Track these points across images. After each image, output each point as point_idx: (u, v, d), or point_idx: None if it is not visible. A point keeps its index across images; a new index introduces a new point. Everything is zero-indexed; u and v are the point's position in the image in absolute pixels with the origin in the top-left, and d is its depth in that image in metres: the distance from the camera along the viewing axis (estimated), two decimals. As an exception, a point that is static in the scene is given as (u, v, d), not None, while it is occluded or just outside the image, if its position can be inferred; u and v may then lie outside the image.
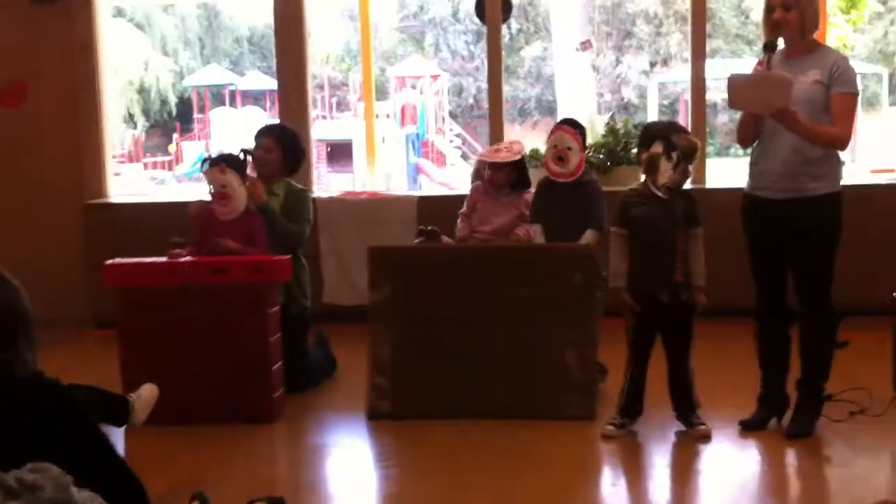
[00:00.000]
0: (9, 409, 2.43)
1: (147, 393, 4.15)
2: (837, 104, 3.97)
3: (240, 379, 4.52)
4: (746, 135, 4.20)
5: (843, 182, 4.13)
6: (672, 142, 4.08)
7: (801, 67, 4.01)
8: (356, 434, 4.45)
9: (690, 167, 4.18)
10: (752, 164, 4.16)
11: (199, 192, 5.62)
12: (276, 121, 7.34)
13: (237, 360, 4.52)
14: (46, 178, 7.09)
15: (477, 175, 5.05)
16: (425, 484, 3.75)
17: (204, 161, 4.92)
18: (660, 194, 4.12)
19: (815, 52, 4.07)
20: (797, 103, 3.92)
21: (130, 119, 22.39)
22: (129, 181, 14.20)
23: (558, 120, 5.04)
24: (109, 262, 4.65)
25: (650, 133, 4.24)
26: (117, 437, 4.37)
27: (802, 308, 4.15)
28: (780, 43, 4.06)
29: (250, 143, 5.28)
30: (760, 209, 4.13)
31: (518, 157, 4.84)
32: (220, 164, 4.77)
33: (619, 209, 4.22)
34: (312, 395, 5.10)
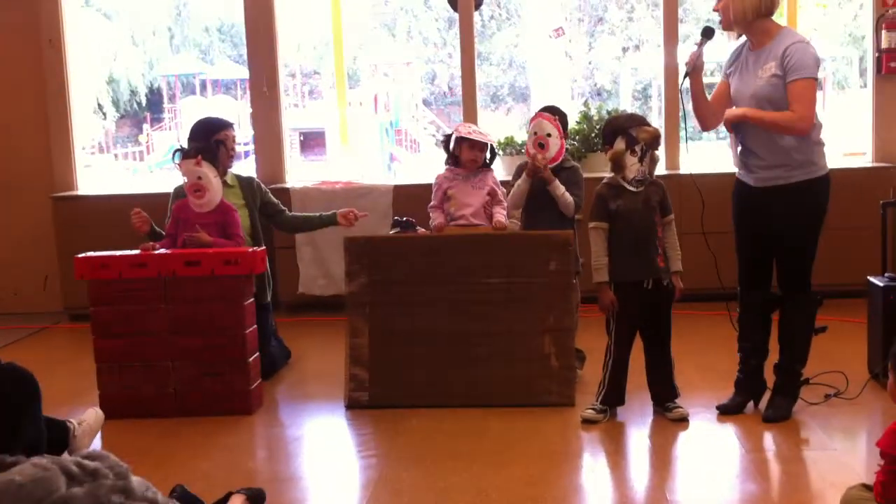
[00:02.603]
0: None
1: (92, 419, 3.92)
2: (791, 91, 3.93)
3: (216, 371, 4.51)
4: (700, 118, 4.28)
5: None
6: (633, 136, 4.10)
7: (761, 60, 4.01)
8: (334, 424, 4.43)
9: (657, 153, 4.21)
10: (738, 149, 4.17)
11: (171, 182, 5.57)
12: (249, 110, 7.29)
13: (213, 353, 4.50)
14: (15, 172, 7.04)
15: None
16: (405, 472, 3.74)
17: (176, 152, 4.86)
18: (631, 188, 4.14)
19: (774, 39, 4.01)
20: (757, 100, 3.98)
21: (100, 110, 22.18)
22: (101, 173, 14.05)
23: (537, 107, 5.02)
24: (81, 255, 4.59)
25: (612, 129, 4.25)
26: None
27: (782, 292, 4.18)
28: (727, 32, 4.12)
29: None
30: (745, 194, 4.16)
31: (490, 140, 4.87)
32: (195, 156, 4.72)
33: (596, 204, 4.22)
34: (290, 386, 5.08)
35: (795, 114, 3.93)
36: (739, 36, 4.12)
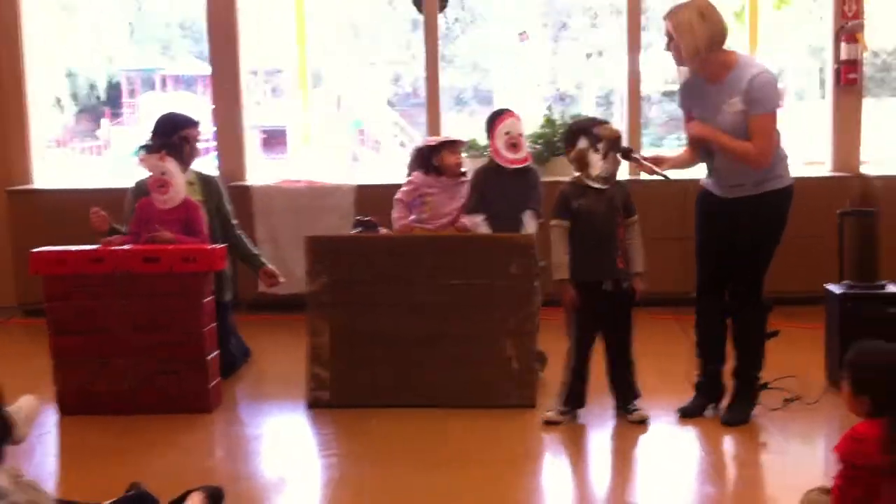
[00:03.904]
0: None
1: (27, 406, 3.64)
2: (753, 125, 3.95)
3: (174, 369, 4.45)
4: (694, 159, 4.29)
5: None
6: (595, 134, 4.13)
7: (723, 94, 4.00)
8: (295, 423, 4.40)
9: (618, 155, 4.21)
10: (708, 157, 4.19)
11: (129, 177, 5.50)
12: (210, 106, 7.22)
13: (171, 350, 4.45)
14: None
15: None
16: (365, 472, 3.72)
17: (141, 147, 4.81)
18: (597, 185, 4.16)
19: (731, 71, 3.99)
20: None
21: (58, 103, 21.86)
22: (59, 167, 13.83)
23: (496, 109, 5.01)
24: (36, 249, 4.52)
25: (572, 131, 4.27)
26: (50, 426, 4.27)
27: (733, 299, 4.21)
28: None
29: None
30: (710, 203, 4.20)
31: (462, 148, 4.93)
32: (159, 151, 4.66)
33: (559, 202, 4.23)
34: (250, 385, 5.05)
35: (756, 148, 3.95)
36: (691, 71, 4.12)
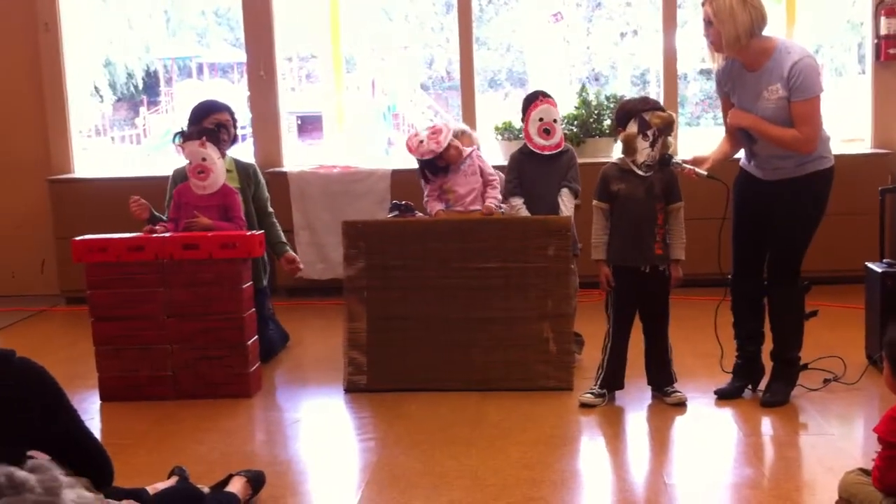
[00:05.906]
0: None
1: None
2: (797, 111, 3.90)
3: (215, 354, 4.50)
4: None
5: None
6: (646, 120, 4.08)
7: (762, 81, 3.95)
8: (333, 408, 4.43)
9: (669, 139, 4.18)
10: (748, 141, 4.14)
11: (168, 165, 5.56)
12: (246, 93, 7.27)
13: (211, 336, 4.50)
14: (12, 155, 7.03)
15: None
16: (403, 456, 3.74)
17: (177, 134, 4.86)
18: (640, 172, 4.13)
19: (770, 58, 3.93)
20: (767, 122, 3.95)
21: (97, 92, 22.08)
22: (98, 156, 14.00)
23: (532, 91, 4.99)
24: (78, 238, 4.58)
25: (625, 112, 4.21)
26: (93, 413, 4.35)
27: (770, 279, 4.18)
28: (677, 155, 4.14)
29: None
30: (751, 184, 4.15)
31: (448, 138, 4.72)
32: (199, 138, 4.71)
33: (600, 183, 4.22)
34: (288, 370, 5.09)
35: (802, 135, 3.90)
36: (726, 57, 4.05)
